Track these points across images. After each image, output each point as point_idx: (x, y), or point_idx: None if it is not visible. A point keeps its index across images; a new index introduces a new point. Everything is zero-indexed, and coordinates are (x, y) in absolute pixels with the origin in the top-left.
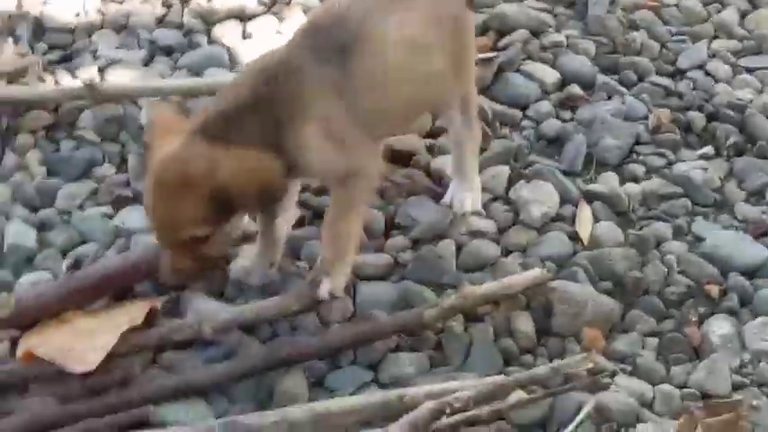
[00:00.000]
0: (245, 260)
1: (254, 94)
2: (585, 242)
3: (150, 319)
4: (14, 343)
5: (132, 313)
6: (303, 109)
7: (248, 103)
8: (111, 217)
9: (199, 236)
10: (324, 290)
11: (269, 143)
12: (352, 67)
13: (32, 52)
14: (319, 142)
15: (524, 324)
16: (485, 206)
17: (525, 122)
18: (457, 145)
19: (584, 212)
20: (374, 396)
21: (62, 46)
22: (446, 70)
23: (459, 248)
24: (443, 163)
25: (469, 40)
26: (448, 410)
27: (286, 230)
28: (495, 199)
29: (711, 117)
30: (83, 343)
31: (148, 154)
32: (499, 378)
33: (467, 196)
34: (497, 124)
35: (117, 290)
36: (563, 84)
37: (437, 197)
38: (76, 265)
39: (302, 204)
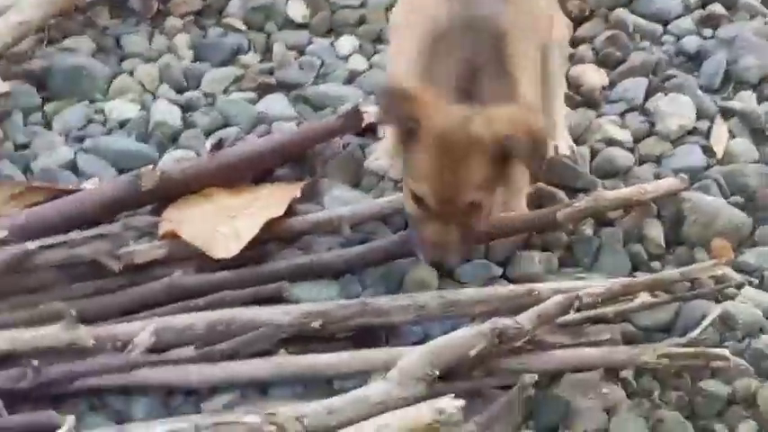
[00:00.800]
0: (382, 152)
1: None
2: (720, 156)
3: (289, 206)
4: (158, 214)
5: (273, 201)
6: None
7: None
8: (253, 103)
9: (477, 202)
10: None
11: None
12: None
13: None
14: None
15: (654, 231)
16: (622, 115)
17: (666, 37)
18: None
19: (720, 128)
20: (503, 289)
21: None
22: None
23: (593, 155)
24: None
25: None
26: (576, 305)
27: None
28: (631, 110)
29: None
30: (224, 227)
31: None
32: (626, 279)
33: (560, 141)
34: (638, 37)
35: (258, 171)
36: (705, 2)
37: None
38: (219, 145)
39: None
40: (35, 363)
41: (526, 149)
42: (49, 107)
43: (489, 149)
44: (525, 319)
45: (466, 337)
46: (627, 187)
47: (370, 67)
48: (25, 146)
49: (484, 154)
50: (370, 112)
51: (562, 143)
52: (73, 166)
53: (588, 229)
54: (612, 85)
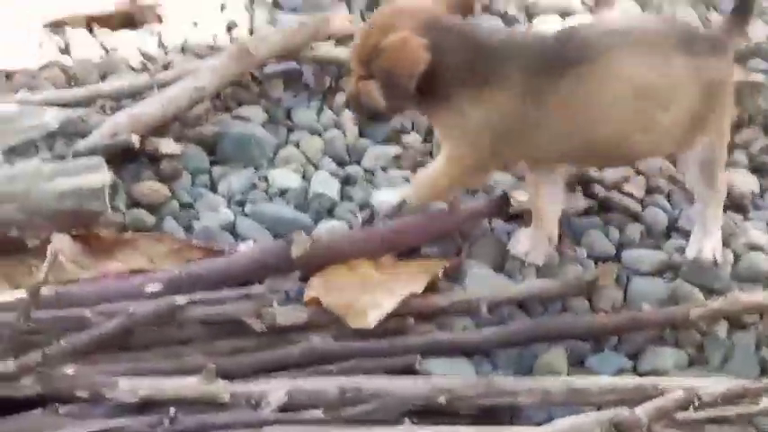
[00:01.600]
0: (525, 239)
1: None
2: None
3: (431, 283)
4: (304, 280)
5: (416, 277)
6: None
7: None
8: (408, 181)
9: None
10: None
11: None
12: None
13: (362, 20)
14: None
15: None
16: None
17: None
18: (698, 197)
19: None
20: (629, 381)
21: None
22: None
23: (736, 259)
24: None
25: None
26: (696, 403)
27: (560, 208)
28: None
29: None
30: (365, 298)
31: None
32: (749, 381)
33: (705, 244)
34: None
35: (405, 246)
36: None
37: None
38: (370, 219)
39: (589, 195)
40: (173, 411)
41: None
42: (216, 170)
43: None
44: (643, 411)
45: (584, 424)
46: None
47: None
48: (190, 205)
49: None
50: (519, 199)
51: (708, 246)
52: (232, 229)
53: (721, 330)
54: (763, 192)
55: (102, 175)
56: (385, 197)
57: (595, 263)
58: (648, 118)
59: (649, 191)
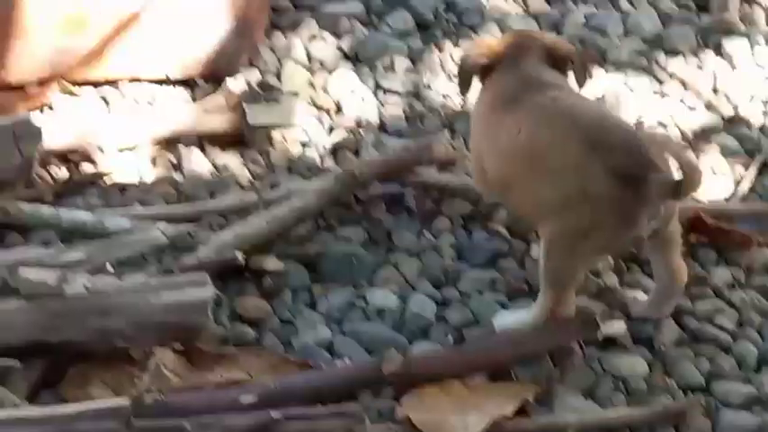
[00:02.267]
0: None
1: None
2: None
3: (521, 406)
4: (397, 399)
5: (505, 399)
6: None
7: None
8: (503, 306)
9: None
10: None
11: None
12: None
13: (465, 147)
14: None
15: None
16: None
17: None
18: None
19: None
20: None
21: None
22: None
23: None
24: None
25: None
26: None
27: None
28: None
29: None
30: (455, 418)
31: None
32: None
33: None
34: None
35: (496, 368)
36: None
37: None
38: (462, 339)
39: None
40: None
41: None
42: (316, 288)
43: None
44: None
45: None
46: None
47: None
48: (290, 322)
49: None
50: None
51: None
52: (329, 346)
53: None
54: None
55: (206, 291)
56: (508, 320)
57: (684, 393)
58: None
59: (741, 324)
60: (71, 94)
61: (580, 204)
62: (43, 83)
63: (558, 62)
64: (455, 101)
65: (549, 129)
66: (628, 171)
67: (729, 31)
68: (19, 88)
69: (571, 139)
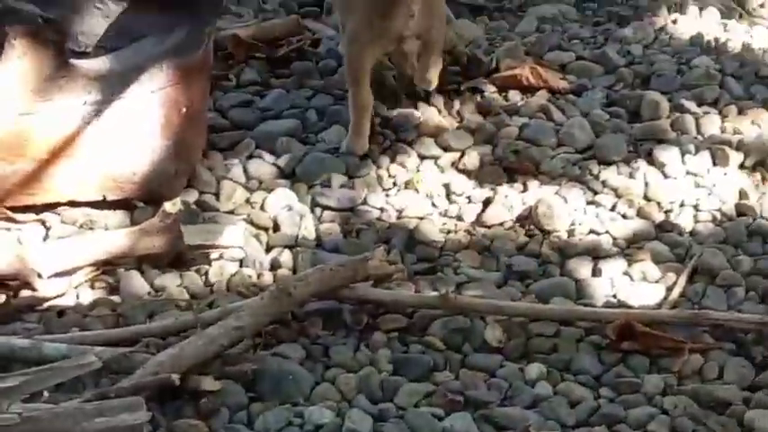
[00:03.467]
0: None
1: None
2: None
3: None
4: None
5: None
6: None
7: None
8: (440, 419)
9: None
10: None
11: None
12: None
13: (401, 261)
14: None
15: None
16: None
17: None
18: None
19: None
20: None
21: (428, 259)
22: None
23: None
24: None
25: None
26: None
27: None
28: None
29: None
30: None
31: None
32: None
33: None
34: None
35: None
36: None
37: None
38: None
39: None
40: None
41: None
42: (254, 407)
43: None
44: None
45: None
46: None
47: (555, 393)
48: None
49: None
50: None
51: None
52: None
53: None
54: None
55: (141, 415)
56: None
57: None
58: None
59: (674, 430)
60: (11, 220)
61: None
62: None
63: None
64: (391, 215)
65: None
66: None
67: (660, 139)
68: None
69: None
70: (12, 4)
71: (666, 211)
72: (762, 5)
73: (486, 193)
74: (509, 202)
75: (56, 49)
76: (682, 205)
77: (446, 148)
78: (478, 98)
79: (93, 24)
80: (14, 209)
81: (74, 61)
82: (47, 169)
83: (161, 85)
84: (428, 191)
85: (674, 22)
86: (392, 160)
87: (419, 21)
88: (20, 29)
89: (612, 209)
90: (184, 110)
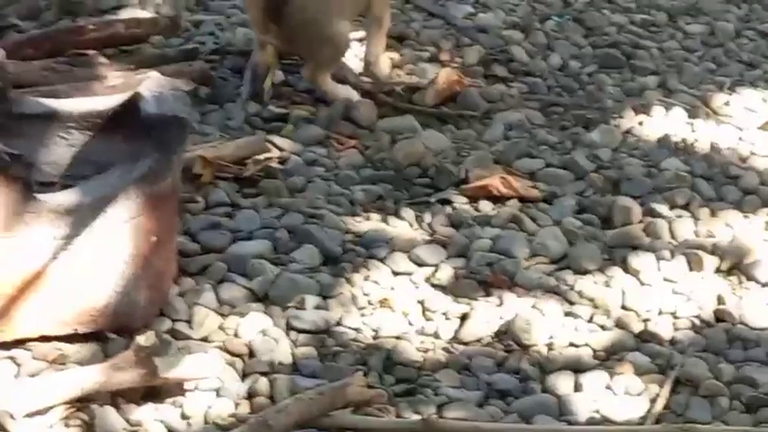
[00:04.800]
0: None
1: None
2: None
3: None
4: None
5: None
6: None
7: None
8: None
9: None
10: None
11: None
12: None
13: (380, 384)
14: None
15: None
16: None
17: None
18: None
19: None
20: None
21: (408, 380)
22: None
23: None
24: None
25: None
26: None
27: None
28: None
29: None
30: None
31: None
32: None
33: None
34: None
35: None
36: None
37: None
38: None
39: None
40: None
41: None
42: None
43: None
44: None
45: None
46: None
47: None
48: None
49: None
50: None
51: None
52: None
53: None
54: None
55: None
56: None
57: None
58: None
59: None
60: None
61: None
62: None
63: None
64: (367, 335)
65: None
66: None
67: (634, 245)
68: None
69: None
70: None
71: (645, 320)
72: (727, 104)
73: (462, 308)
74: (486, 316)
75: (22, 185)
76: (660, 313)
77: (419, 263)
78: (449, 210)
79: (59, 154)
80: None
81: (40, 196)
82: (15, 305)
83: (130, 215)
84: (403, 308)
85: (641, 123)
86: (365, 278)
87: None
88: None
89: (590, 320)
90: (154, 238)
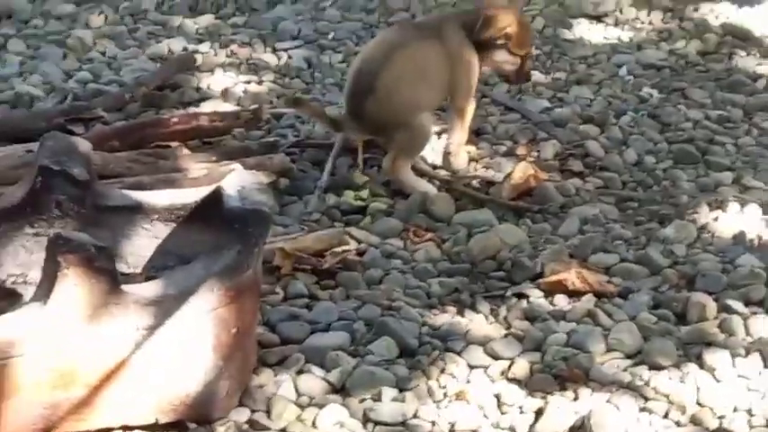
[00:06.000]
0: None
1: None
2: None
3: None
4: None
5: None
6: None
7: None
8: None
9: None
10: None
11: None
12: None
13: None
14: None
15: None
16: None
17: None
18: None
19: None
20: None
21: None
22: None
23: None
24: None
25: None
26: None
27: None
28: None
29: None
30: None
31: None
32: None
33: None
34: None
35: None
36: None
37: None
38: None
39: None
40: None
41: None
42: None
43: None
44: None
45: None
46: None
47: None
48: None
49: None
50: None
51: None
52: None
53: None
54: None
55: None
56: None
57: None
58: None
59: None
60: None
61: None
62: None
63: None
64: (443, 428)
65: None
66: None
67: (709, 342)
68: None
69: None
70: (61, 233)
71: (720, 417)
72: None
73: (537, 402)
74: (561, 411)
75: (108, 277)
76: (735, 410)
77: (495, 357)
78: (524, 304)
79: (142, 245)
80: None
81: (126, 287)
82: (99, 395)
83: (213, 306)
84: (479, 402)
85: (716, 219)
86: (442, 371)
87: None
88: (72, 258)
89: (665, 416)
90: (235, 330)
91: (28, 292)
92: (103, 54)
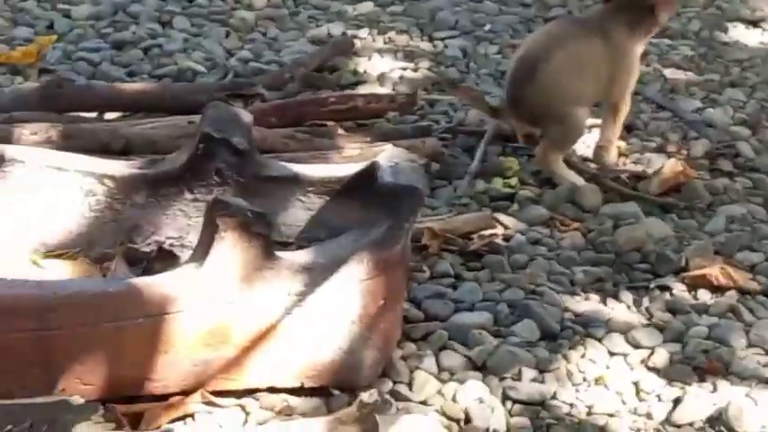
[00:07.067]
0: None
1: None
2: None
3: None
4: None
5: None
6: None
7: None
8: None
9: None
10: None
11: None
12: None
13: None
14: None
15: None
16: None
17: None
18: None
19: None
20: None
21: None
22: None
23: None
24: None
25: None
26: None
27: None
28: None
29: None
30: None
31: None
32: None
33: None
34: None
35: None
36: None
37: None
38: None
39: None
40: None
41: None
42: None
43: None
44: None
45: None
46: None
47: None
48: None
49: None
50: None
51: None
52: None
53: None
54: None
55: None
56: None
57: None
58: None
59: None
60: (212, 404)
61: None
62: (186, 393)
63: None
64: (581, 410)
65: None
66: None
67: None
68: (162, 398)
69: None
70: (220, 197)
71: None
72: None
73: (675, 392)
74: (699, 402)
75: (263, 242)
76: None
77: (636, 345)
78: (667, 296)
79: (296, 216)
80: (216, 393)
81: (279, 253)
82: (249, 356)
83: (362, 277)
84: (618, 388)
85: None
86: (582, 356)
87: None
88: (230, 222)
89: None
90: (382, 302)
91: (185, 255)
92: (264, 35)
